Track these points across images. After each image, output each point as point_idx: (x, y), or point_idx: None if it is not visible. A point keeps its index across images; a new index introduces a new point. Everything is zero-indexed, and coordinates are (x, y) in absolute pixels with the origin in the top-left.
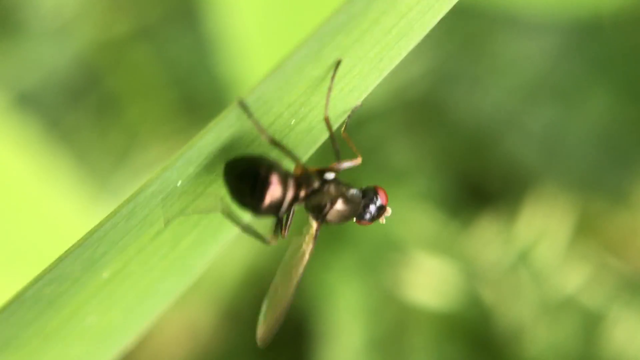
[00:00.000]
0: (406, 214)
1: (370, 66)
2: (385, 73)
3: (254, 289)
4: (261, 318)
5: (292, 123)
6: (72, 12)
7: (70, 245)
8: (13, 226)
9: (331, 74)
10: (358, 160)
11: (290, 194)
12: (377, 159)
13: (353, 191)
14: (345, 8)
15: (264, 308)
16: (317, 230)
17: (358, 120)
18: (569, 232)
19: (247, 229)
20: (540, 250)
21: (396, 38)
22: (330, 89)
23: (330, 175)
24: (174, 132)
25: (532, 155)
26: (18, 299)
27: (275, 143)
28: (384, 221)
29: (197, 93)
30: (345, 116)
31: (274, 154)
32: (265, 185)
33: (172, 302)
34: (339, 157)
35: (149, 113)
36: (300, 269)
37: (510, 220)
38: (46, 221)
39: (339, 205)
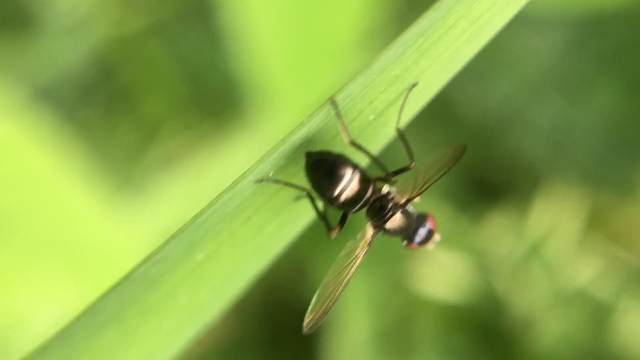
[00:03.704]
0: (415, 208)
1: (442, 66)
2: (455, 72)
3: (260, 283)
4: (310, 308)
5: (371, 118)
6: (86, 9)
7: (92, 236)
8: (32, 216)
9: (406, 92)
10: (410, 166)
11: (367, 195)
12: (384, 153)
13: (410, 207)
14: (428, 14)
15: (314, 300)
16: (373, 236)
17: None
18: (579, 225)
19: (321, 216)
20: (550, 243)
21: (467, 41)
22: (402, 106)
23: (392, 189)
24: (187, 127)
25: (538, 149)
26: (128, 278)
27: (355, 145)
28: (432, 247)
29: (208, 88)
30: (413, 110)
31: (348, 152)
32: (348, 183)
33: (251, 284)
34: (413, 160)
35: (162, 108)
36: (352, 270)
37: (520, 214)
38: (64, 212)
39: (399, 215)
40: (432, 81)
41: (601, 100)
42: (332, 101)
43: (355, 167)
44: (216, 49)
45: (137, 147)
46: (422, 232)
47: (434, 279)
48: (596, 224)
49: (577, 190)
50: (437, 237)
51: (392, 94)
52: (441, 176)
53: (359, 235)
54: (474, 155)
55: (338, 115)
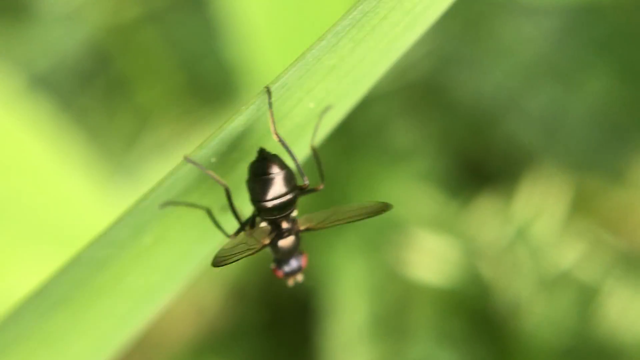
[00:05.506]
0: (408, 195)
1: (380, 56)
2: (393, 61)
3: (259, 269)
4: (223, 248)
5: (311, 106)
6: None
7: (86, 222)
8: (29, 203)
9: (320, 115)
10: (319, 187)
11: (287, 212)
12: (378, 140)
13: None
14: (358, 6)
15: (230, 245)
16: (263, 246)
17: (361, 103)
18: (566, 209)
19: (237, 216)
20: (537, 227)
21: (402, 31)
22: (317, 127)
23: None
24: (182, 114)
25: (531, 136)
26: (75, 261)
27: (280, 139)
28: (292, 284)
29: (204, 76)
30: (356, 96)
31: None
32: (283, 197)
33: (202, 267)
34: (323, 181)
35: (158, 95)
36: (242, 256)
37: (509, 199)
38: (61, 198)
39: (291, 238)
40: (371, 69)
41: (593, 87)
42: (267, 90)
43: (295, 188)
44: (212, 37)
45: (133, 133)
46: (293, 264)
47: (424, 264)
48: (584, 208)
49: (565, 175)
50: (300, 277)
51: (331, 83)
52: (350, 222)
53: (257, 234)
54: (467, 141)
55: (270, 104)
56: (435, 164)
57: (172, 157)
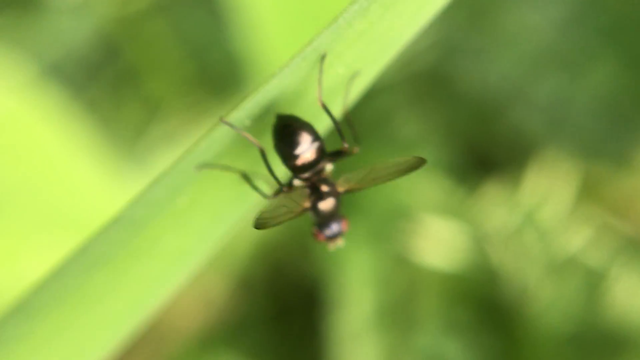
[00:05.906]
0: (415, 183)
1: (407, 23)
2: (421, 24)
3: (266, 261)
4: (265, 210)
5: (340, 71)
6: None
7: (95, 210)
8: (40, 190)
9: (350, 80)
10: (353, 150)
11: (318, 167)
12: (385, 131)
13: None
14: None
15: (270, 207)
16: (304, 210)
17: (366, 94)
18: (573, 195)
19: (274, 175)
20: (544, 213)
21: None
22: (347, 93)
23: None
24: (191, 104)
25: (537, 124)
26: (115, 221)
27: (323, 106)
28: (333, 248)
29: (212, 66)
30: (382, 62)
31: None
32: (308, 148)
33: (237, 229)
34: (358, 143)
35: (166, 86)
36: (285, 218)
37: (516, 186)
38: (71, 186)
39: (331, 201)
40: (396, 37)
41: (600, 76)
42: (322, 56)
43: (318, 137)
44: (220, 27)
45: (142, 123)
46: (334, 228)
47: (432, 252)
48: (591, 194)
49: (571, 162)
50: (341, 242)
51: (360, 49)
52: (389, 180)
53: (293, 196)
54: (473, 130)
55: (321, 71)
56: (441, 153)
57: (180, 147)
